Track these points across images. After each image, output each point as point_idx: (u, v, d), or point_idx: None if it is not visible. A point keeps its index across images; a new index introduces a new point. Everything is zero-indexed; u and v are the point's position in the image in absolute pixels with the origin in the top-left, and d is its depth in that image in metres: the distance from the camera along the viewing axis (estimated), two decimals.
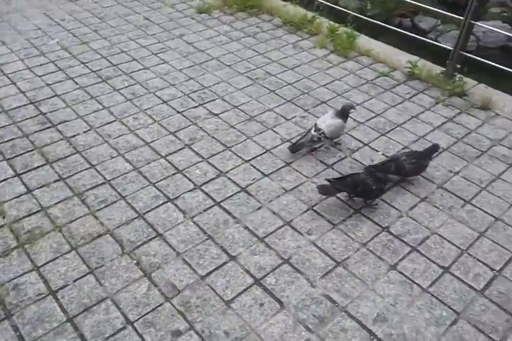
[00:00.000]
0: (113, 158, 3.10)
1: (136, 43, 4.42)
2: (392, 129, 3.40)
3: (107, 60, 4.13)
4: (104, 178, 2.94)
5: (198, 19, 4.92)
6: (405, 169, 2.80)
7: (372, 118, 3.52)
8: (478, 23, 3.99)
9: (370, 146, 3.23)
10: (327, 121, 3.07)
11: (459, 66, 3.95)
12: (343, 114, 3.12)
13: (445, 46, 4.02)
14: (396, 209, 2.74)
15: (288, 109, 3.61)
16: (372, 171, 2.68)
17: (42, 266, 2.42)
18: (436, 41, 7.06)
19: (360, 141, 3.28)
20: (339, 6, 5.24)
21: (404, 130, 3.40)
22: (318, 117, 3.47)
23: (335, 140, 3.17)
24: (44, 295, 2.28)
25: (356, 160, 3.11)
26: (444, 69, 4.03)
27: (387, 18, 7.71)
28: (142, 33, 4.61)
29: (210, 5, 5.17)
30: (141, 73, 3.99)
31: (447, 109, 3.64)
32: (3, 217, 2.67)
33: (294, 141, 3.25)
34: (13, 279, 2.36)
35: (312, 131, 3.07)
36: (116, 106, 3.57)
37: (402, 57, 4.23)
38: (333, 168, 3.04)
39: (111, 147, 3.18)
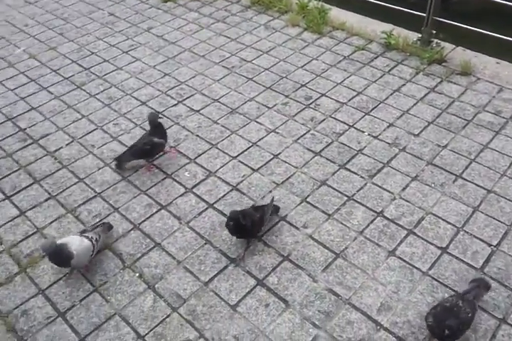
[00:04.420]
0: (100, 168, 3.00)
1: (104, 43, 4.20)
2: (375, 107, 3.29)
3: (78, 64, 3.94)
4: (95, 191, 2.85)
5: (164, 8, 4.67)
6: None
7: (354, 97, 3.40)
8: None
9: (355, 128, 3.14)
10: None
11: (434, 32, 3.79)
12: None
13: (418, 13, 3.83)
14: (388, 191, 2.68)
15: (268, 96, 3.48)
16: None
17: (47, 288, 2.38)
18: None
19: (345, 123, 3.18)
20: None
21: (388, 106, 3.29)
22: (299, 102, 3.37)
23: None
24: (53, 318, 2.25)
25: (343, 144, 3.02)
26: (420, 35, 3.87)
27: None
28: (109, 30, 4.38)
29: None
30: (114, 74, 3.81)
31: (428, 79, 3.51)
32: (1, 243, 2.60)
33: (279, 131, 3.16)
34: (21, 305, 2.32)
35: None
36: (95, 114, 3.43)
37: (377, 27, 4.05)
38: (321, 155, 2.95)
39: (96, 158, 3.07)
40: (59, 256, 2.25)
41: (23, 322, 2.25)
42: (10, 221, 2.72)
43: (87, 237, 2.36)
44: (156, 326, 2.18)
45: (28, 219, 2.72)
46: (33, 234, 2.64)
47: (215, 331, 2.14)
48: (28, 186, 2.92)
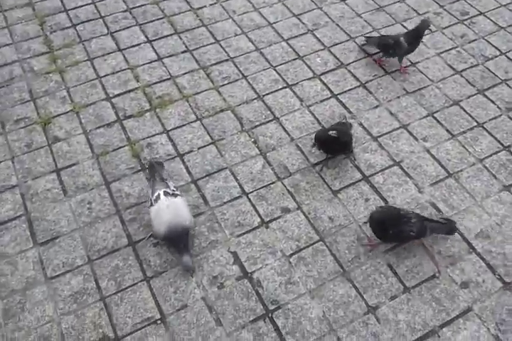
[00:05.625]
0: (237, 35, 2.78)
1: None
2: None
3: None
4: (228, 55, 2.68)
5: None
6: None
7: None
8: None
9: (507, 56, 2.65)
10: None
11: None
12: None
13: None
14: None
15: (421, 2, 2.95)
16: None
17: (171, 130, 2.39)
18: None
19: (497, 49, 2.68)
20: None
21: None
22: (453, 16, 2.84)
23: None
24: (173, 157, 2.29)
25: (489, 69, 2.58)
26: None
27: None
28: None
29: None
30: None
31: None
32: (138, 81, 2.59)
33: (423, 40, 2.71)
34: (147, 138, 2.36)
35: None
36: None
37: None
38: (461, 75, 2.56)
39: (235, 24, 2.84)
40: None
41: (147, 153, 2.30)
42: (148, 63, 2.66)
43: (168, 194, 1.91)
44: (260, 188, 2.17)
45: (164, 65, 2.64)
46: (166, 79, 2.58)
47: (313, 207, 2.10)
48: (168, 35, 2.79)
